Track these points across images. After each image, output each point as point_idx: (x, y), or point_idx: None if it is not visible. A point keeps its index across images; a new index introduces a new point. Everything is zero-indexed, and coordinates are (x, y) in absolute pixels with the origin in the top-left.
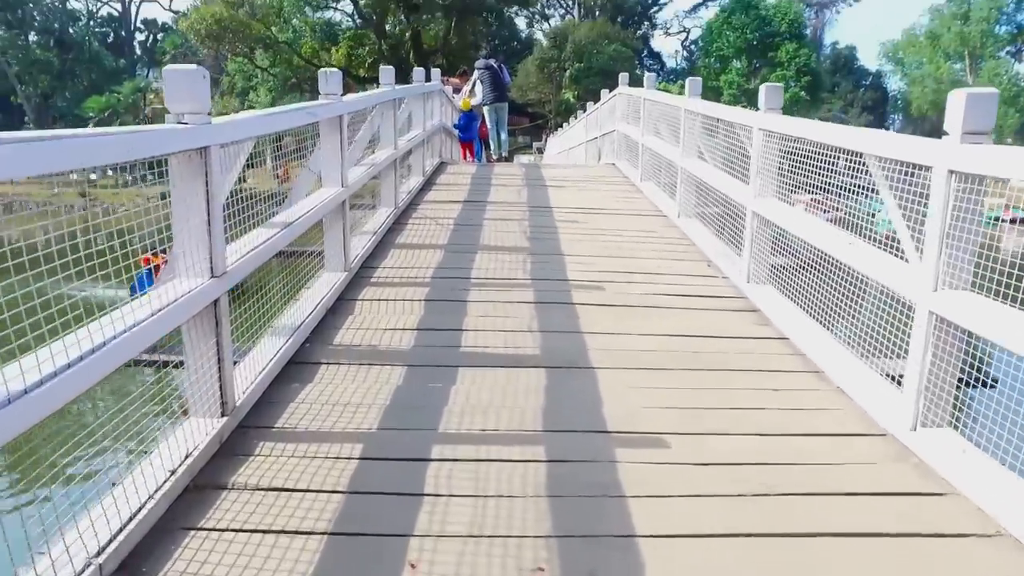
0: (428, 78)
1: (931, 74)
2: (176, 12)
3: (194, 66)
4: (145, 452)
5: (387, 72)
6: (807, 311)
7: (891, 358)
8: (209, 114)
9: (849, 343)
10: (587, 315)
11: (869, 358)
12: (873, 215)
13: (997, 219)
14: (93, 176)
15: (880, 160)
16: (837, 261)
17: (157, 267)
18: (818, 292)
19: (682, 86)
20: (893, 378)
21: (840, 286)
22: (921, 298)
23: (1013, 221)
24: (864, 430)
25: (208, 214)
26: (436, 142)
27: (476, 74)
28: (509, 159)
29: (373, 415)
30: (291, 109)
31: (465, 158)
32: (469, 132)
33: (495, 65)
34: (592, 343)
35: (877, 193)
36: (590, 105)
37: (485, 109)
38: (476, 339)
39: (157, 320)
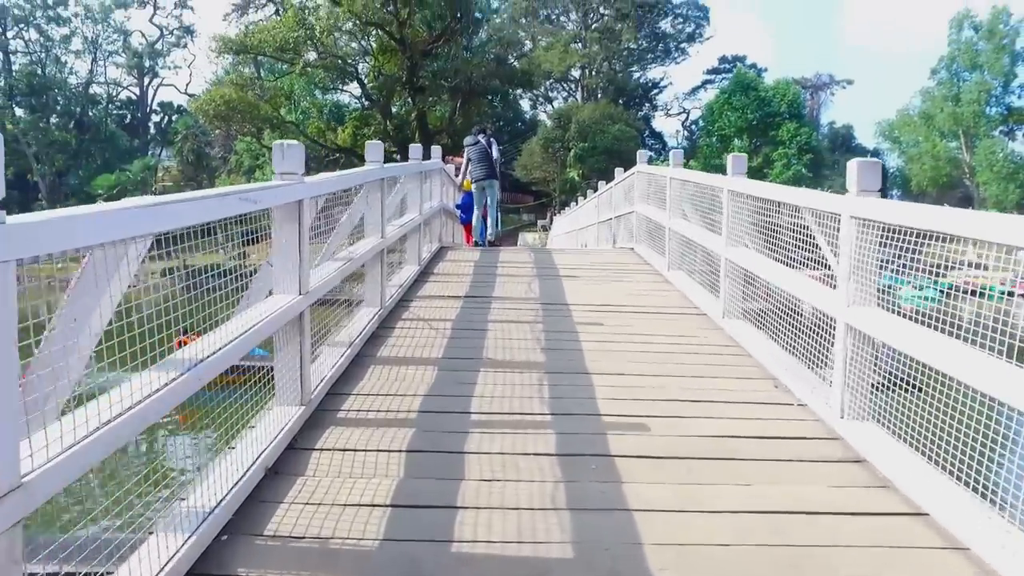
0: (427, 155)
1: (928, 152)
2: (191, 95)
3: None
4: None
5: (374, 148)
6: (942, 461)
7: None
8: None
9: None
10: (632, 477)
11: None
12: (890, 287)
13: (1010, 294)
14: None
15: None
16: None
17: None
18: (961, 433)
19: (685, 165)
20: None
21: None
22: None
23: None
24: None
25: None
26: (435, 225)
27: (466, 151)
28: (497, 243)
29: None
30: (213, 195)
31: (469, 241)
32: (471, 213)
33: (483, 140)
34: (646, 532)
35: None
36: (602, 184)
37: (474, 187)
38: (476, 525)
39: None
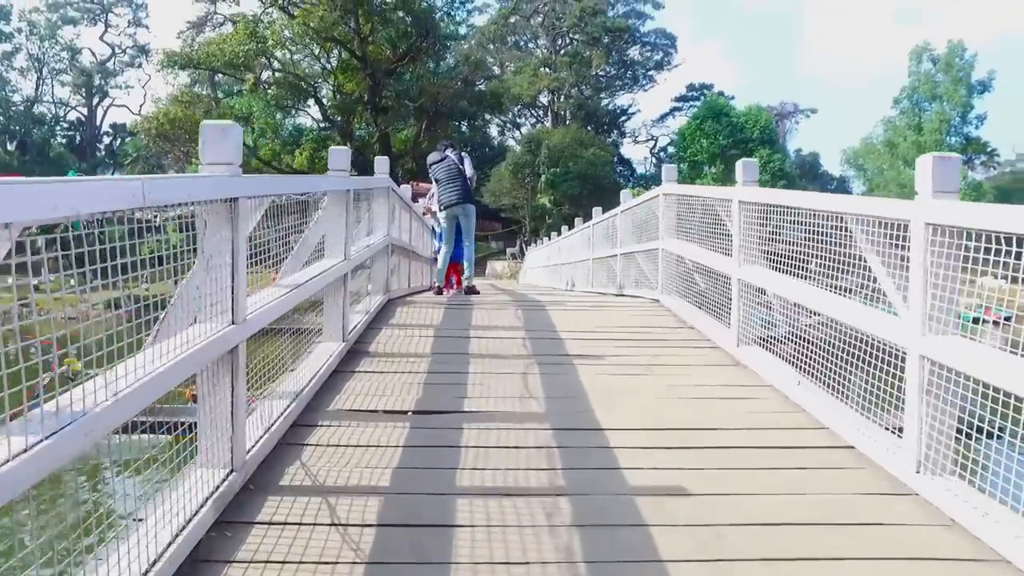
0: (367, 170)
1: (894, 179)
2: (146, 116)
3: None
4: None
5: (218, 138)
6: None
7: None
8: None
9: None
10: None
11: None
12: None
13: (976, 320)
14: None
15: None
16: None
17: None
18: None
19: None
20: None
21: None
22: None
23: (996, 322)
24: None
25: None
26: (380, 270)
27: (432, 172)
28: (475, 290)
29: None
30: None
31: (448, 286)
32: (455, 250)
33: (452, 155)
34: None
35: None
36: (596, 212)
37: (442, 215)
38: None
39: None
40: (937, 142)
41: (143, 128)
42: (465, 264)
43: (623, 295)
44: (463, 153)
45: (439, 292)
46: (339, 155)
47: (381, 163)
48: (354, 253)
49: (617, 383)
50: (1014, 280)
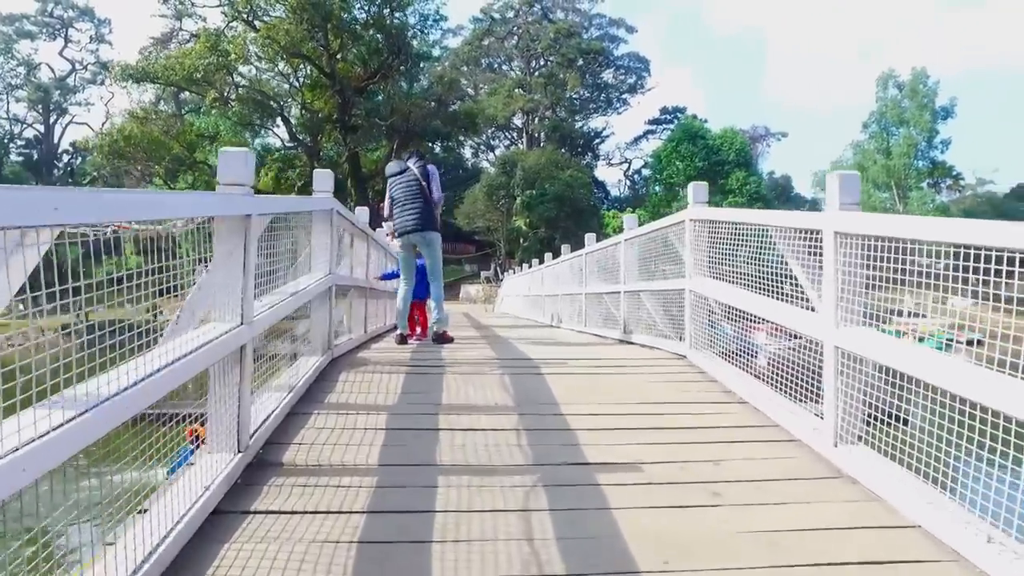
0: (340, 191)
1: (864, 202)
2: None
3: None
4: None
5: None
6: None
7: None
8: None
9: None
10: None
11: None
12: None
13: (951, 341)
14: None
15: None
16: None
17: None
18: None
19: (632, 212)
20: None
21: None
22: None
23: (970, 343)
24: None
25: None
26: (319, 322)
27: (388, 186)
28: (447, 338)
29: None
30: None
31: (414, 333)
32: (418, 287)
33: (414, 167)
34: None
35: None
36: (589, 239)
37: (399, 244)
38: None
39: None
40: (906, 166)
41: (98, 145)
42: (433, 306)
43: (630, 342)
44: (430, 167)
45: (403, 340)
46: (233, 160)
47: (322, 177)
48: (262, 311)
49: (677, 527)
50: None
